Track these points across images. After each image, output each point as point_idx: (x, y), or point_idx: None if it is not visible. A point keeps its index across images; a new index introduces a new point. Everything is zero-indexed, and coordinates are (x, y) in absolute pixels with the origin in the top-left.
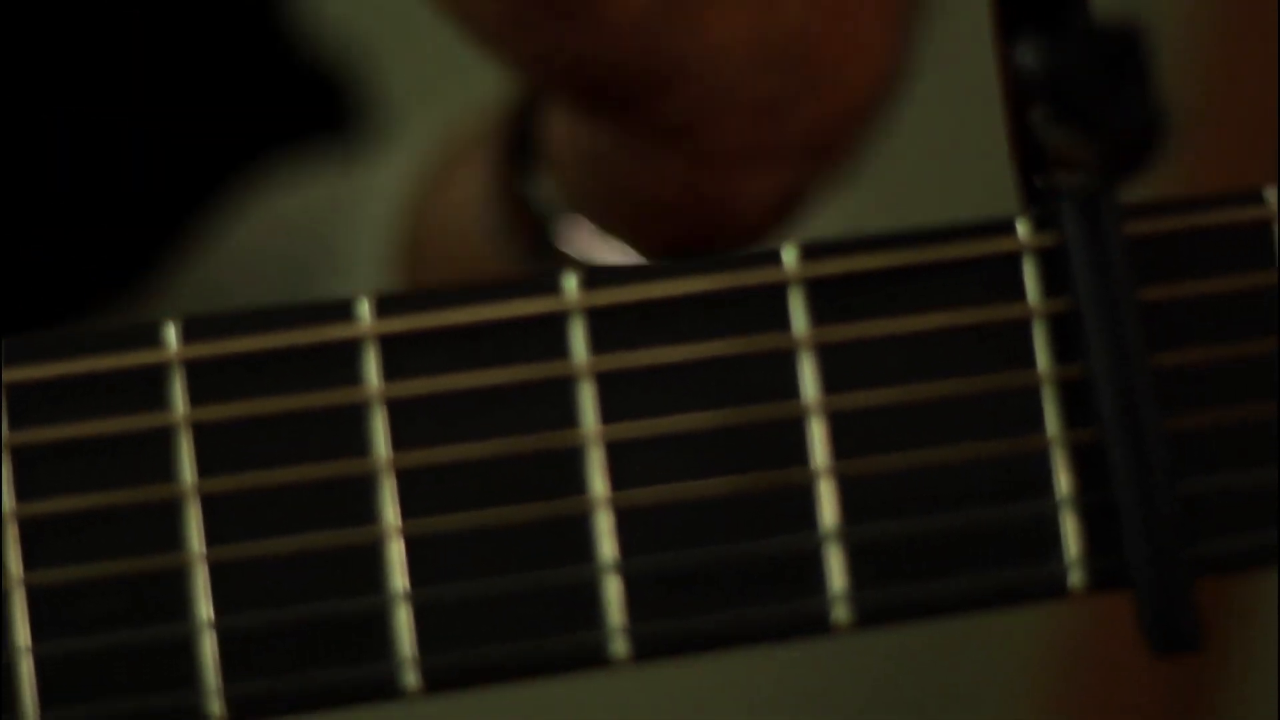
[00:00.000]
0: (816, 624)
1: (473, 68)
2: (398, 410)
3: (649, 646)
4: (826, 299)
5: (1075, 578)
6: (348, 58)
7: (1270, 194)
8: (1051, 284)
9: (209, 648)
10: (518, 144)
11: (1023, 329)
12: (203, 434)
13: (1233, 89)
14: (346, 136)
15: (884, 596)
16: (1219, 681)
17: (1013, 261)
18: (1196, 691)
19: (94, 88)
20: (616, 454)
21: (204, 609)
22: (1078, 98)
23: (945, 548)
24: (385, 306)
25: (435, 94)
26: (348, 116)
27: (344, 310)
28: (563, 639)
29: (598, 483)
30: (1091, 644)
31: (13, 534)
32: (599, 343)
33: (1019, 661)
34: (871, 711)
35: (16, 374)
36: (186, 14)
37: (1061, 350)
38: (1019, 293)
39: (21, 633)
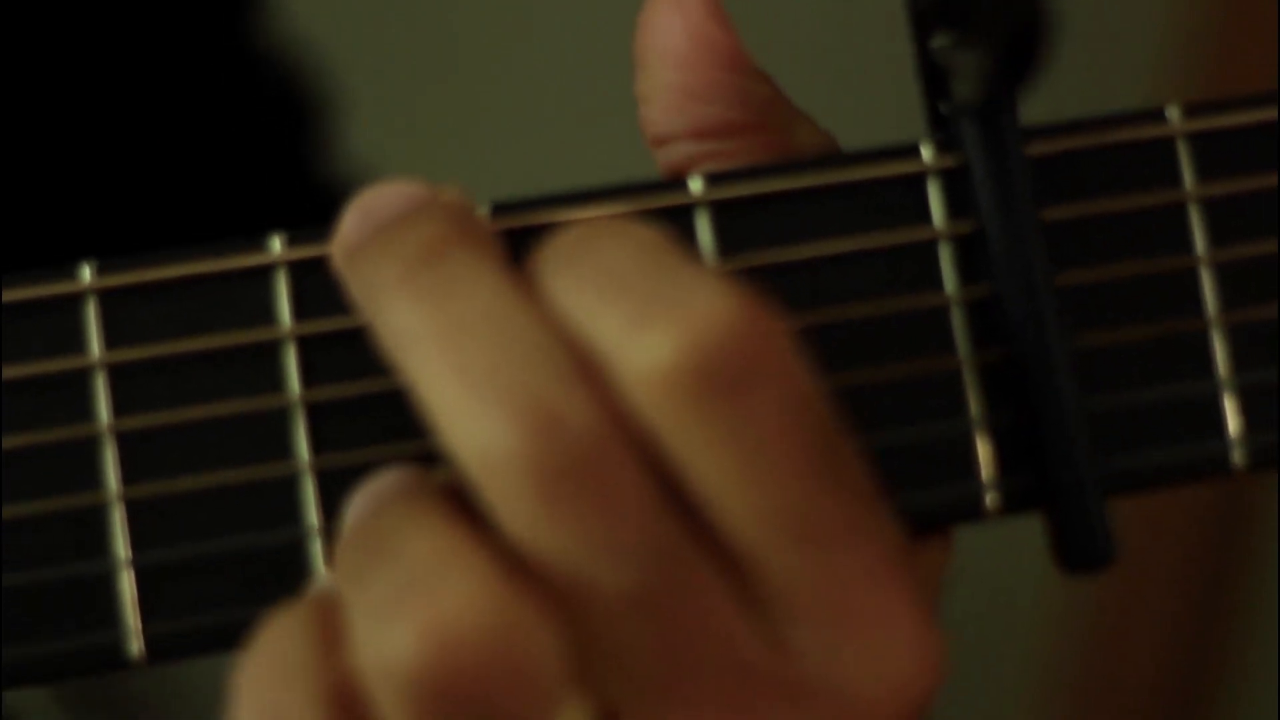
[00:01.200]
0: None
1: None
2: (308, 346)
3: None
4: (733, 224)
5: (990, 499)
6: (312, 69)
7: (1172, 112)
8: (957, 206)
9: (127, 586)
10: None
11: (929, 251)
12: (118, 374)
13: (1233, 89)
14: (306, 142)
15: None
16: (1219, 681)
17: (918, 184)
18: (1196, 691)
19: (54, 94)
20: None
21: (121, 547)
22: (965, 9)
23: None
24: (295, 239)
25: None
26: (309, 124)
27: (257, 245)
28: None
29: None
30: (1091, 644)
31: None
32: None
33: (1019, 662)
34: None
35: None
36: (155, 20)
37: (968, 271)
38: (925, 215)
39: None
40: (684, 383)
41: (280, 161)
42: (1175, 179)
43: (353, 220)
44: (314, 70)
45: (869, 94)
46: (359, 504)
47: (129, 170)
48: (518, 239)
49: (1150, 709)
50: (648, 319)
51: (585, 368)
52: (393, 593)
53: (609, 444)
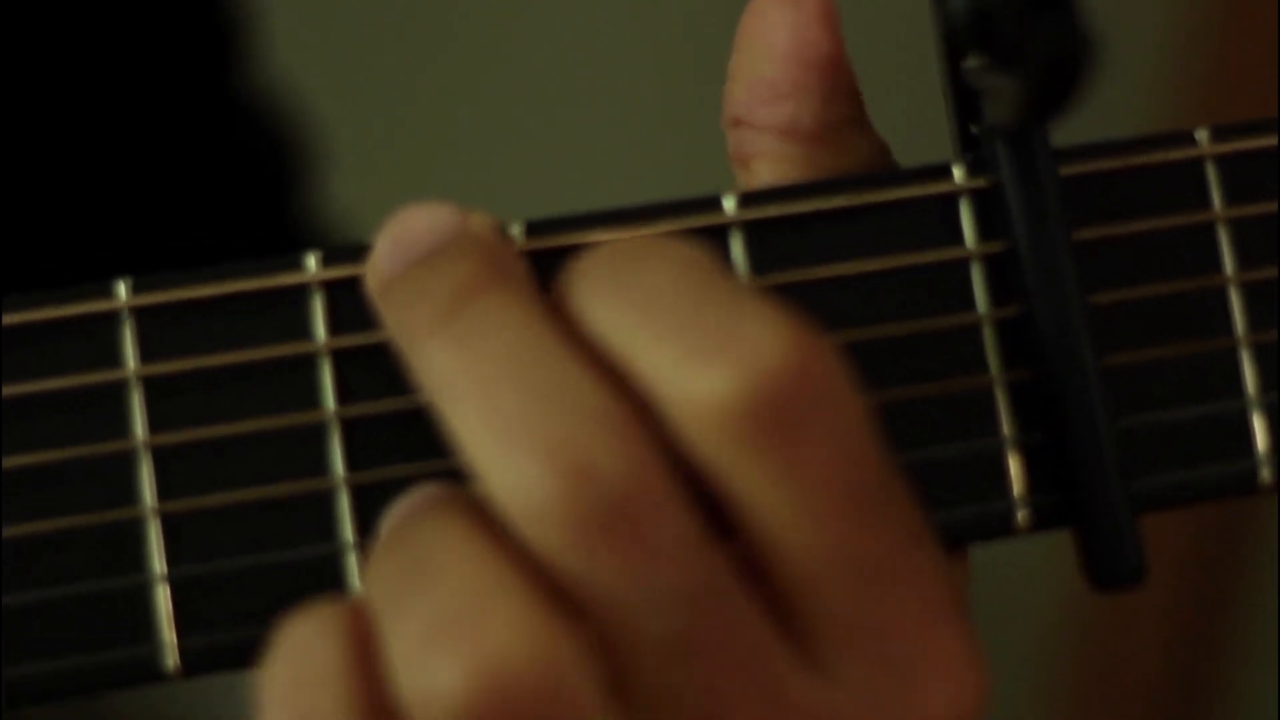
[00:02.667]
0: None
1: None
2: (343, 361)
3: None
4: (766, 244)
5: (1020, 516)
6: (295, 116)
7: (1201, 134)
8: (988, 226)
9: (163, 600)
10: None
11: (961, 271)
12: (154, 388)
13: (1233, 89)
14: (288, 189)
15: None
16: (1219, 681)
17: (950, 205)
18: (1196, 691)
19: (38, 129)
20: None
21: (157, 562)
22: (1004, 31)
23: None
24: (330, 257)
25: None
26: (291, 171)
27: (292, 262)
28: None
29: None
30: (1091, 643)
31: None
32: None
33: (1019, 661)
34: None
35: None
36: (141, 64)
37: (999, 291)
38: (957, 236)
39: None
40: (743, 420)
41: (262, 208)
42: (1204, 200)
43: (384, 250)
44: (297, 117)
45: (894, 113)
46: (395, 520)
47: (110, 213)
48: (548, 260)
49: (1150, 708)
50: (703, 352)
51: (622, 403)
52: (436, 623)
53: (648, 485)
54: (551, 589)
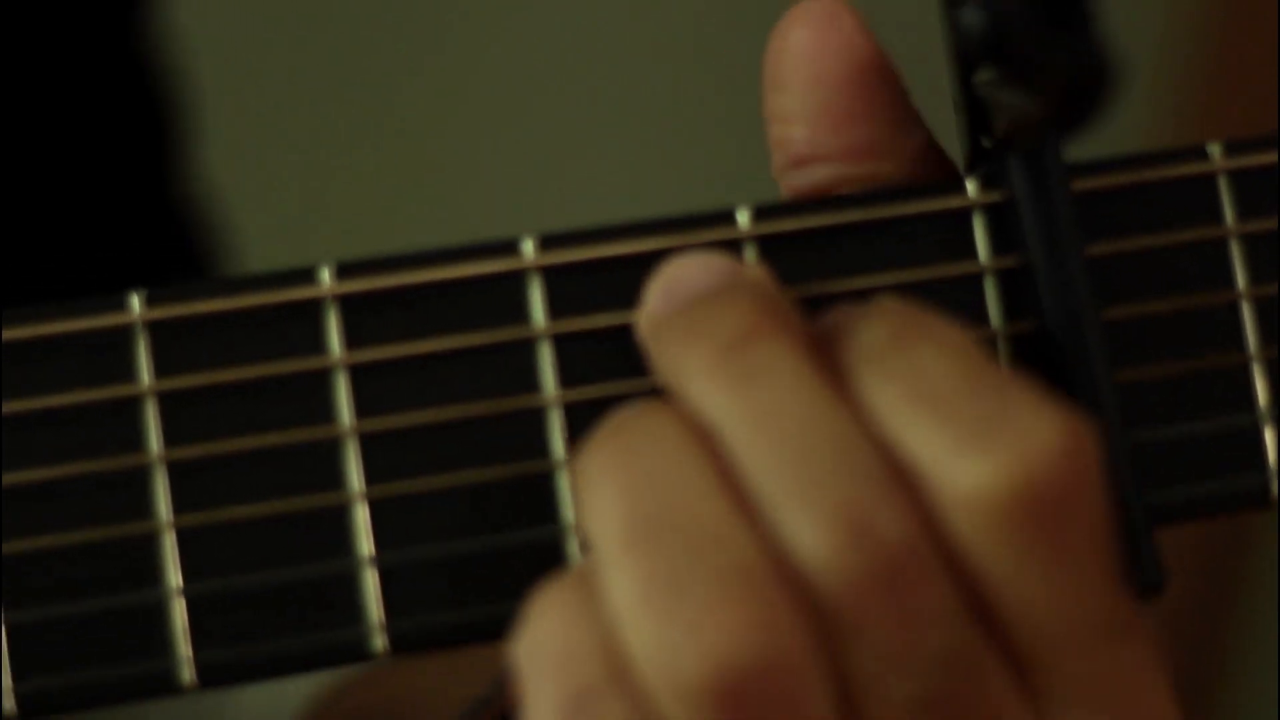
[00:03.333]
0: None
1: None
2: (360, 375)
3: None
4: (780, 257)
5: None
6: (219, 216)
7: (1214, 149)
8: (1001, 241)
9: (179, 614)
10: None
11: (974, 285)
12: (169, 402)
13: (1233, 91)
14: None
15: None
16: (1219, 681)
17: (963, 220)
18: (1196, 691)
19: None
20: (573, 417)
21: (173, 576)
22: (1022, 50)
23: None
24: (345, 271)
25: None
26: (201, 263)
27: (306, 276)
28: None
29: (558, 445)
30: None
31: None
32: (556, 305)
33: None
34: None
35: None
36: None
37: (1012, 306)
38: (970, 250)
39: None
40: (1007, 513)
41: (140, 171)
42: (1216, 215)
43: (658, 293)
44: (183, 83)
45: None
46: (627, 471)
47: None
48: (561, 275)
49: None
50: (974, 442)
51: (899, 477)
52: (681, 599)
53: (919, 556)
54: (810, 617)
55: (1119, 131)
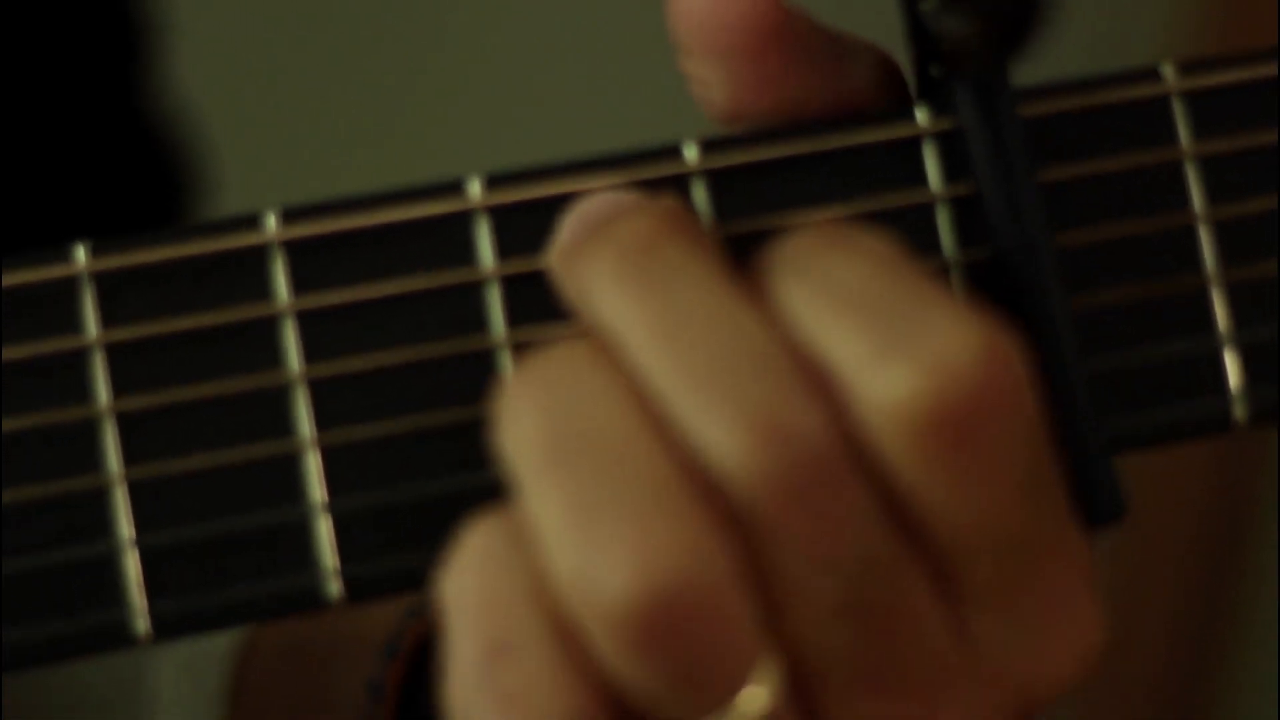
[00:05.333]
0: None
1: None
2: (308, 320)
3: None
4: (729, 191)
5: None
6: (192, 130)
7: (1167, 70)
8: (953, 169)
9: (132, 566)
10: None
11: (927, 214)
12: (116, 354)
13: None
14: (174, 209)
15: None
16: (1219, 681)
17: (914, 148)
18: (1197, 689)
19: None
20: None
21: (125, 528)
22: None
23: None
24: (291, 216)
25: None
26: (181, 192)
27: (252, 222)
28: None
29: None
30: None
31: None
32: (504, 245)
33: None
34: None
35: None
36: (39, 69)
37: (966, 233)
38: (921, 179)
39: None
40: (925, 422)
41: (151, 215)
42: (1171, 137)
43: (569, 226)
44: (193, 133)
45: None
46: (539, 396)
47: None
48: (511, 214)
49: (1151, 707)
50: (891, 351)
51: (812, 380)
52: (600, 522)
53: (836, 459)
54: (727, 515)
55: None
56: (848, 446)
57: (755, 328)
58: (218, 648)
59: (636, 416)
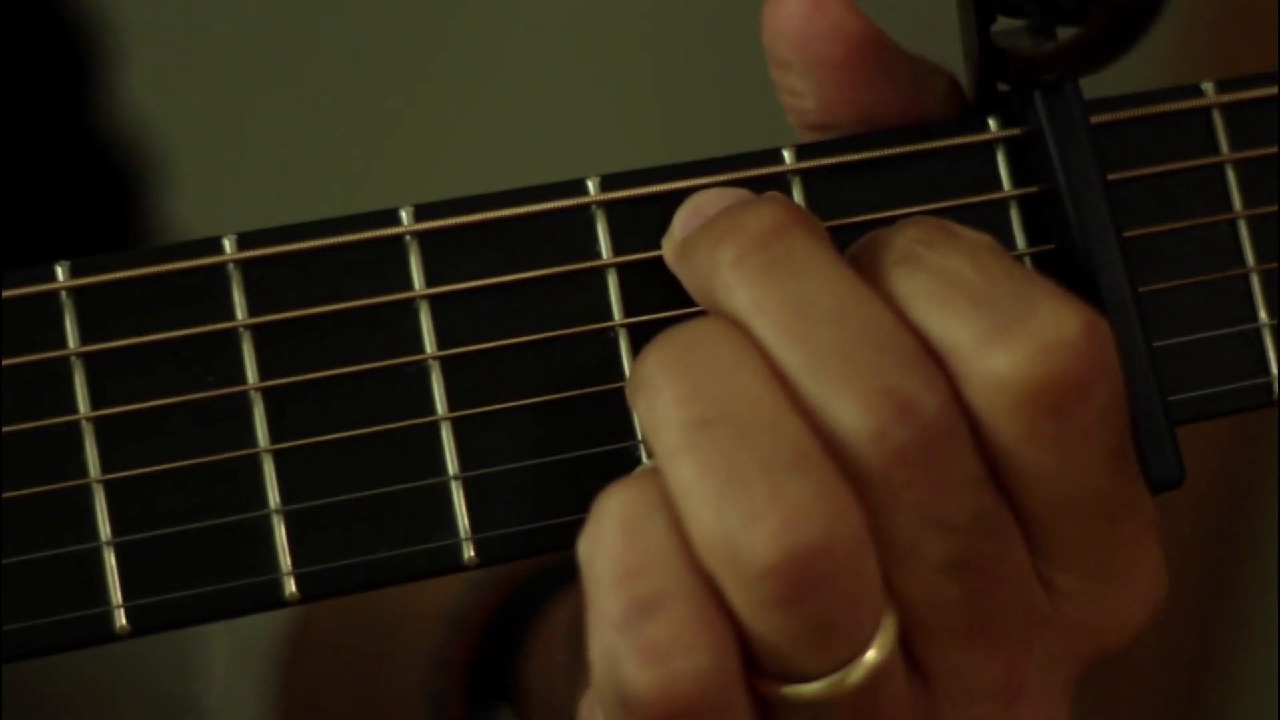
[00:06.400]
0: None
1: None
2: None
3: None
4: (821, 190)
5: None
6: (144, 143)
7: (1207, 86)
8: (1020, 172)
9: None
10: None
11: (1000, 212)
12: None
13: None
14: (127, 214)
15: None
16: (1220, 680)
17: (986, 153)
18: (1197, 689)
19: None
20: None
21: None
22: None
23: None
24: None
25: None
26: (133, 196)
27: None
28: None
29: (627, 367)
30: None
31: None
32: (620, 239)
33: None
34: None
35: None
36: None
37: (1032, 230)
38: (994, 180)
39: None
40: (1030, 399)
41: (104, 232)
42: (1213, 145)
43: (684, 217)
44: (145, 145)
45: None
46: (680, 371)
47: None
48: (625, 210)
49: (1151, 707)
50: (1003, 334)
51: (930, 358)
52: (747, 487)
53: (953, 432)
54: (859, 492)
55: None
56: (959, 417)
57: (878, 311)
58: (270, 623)
59: (772, 390)
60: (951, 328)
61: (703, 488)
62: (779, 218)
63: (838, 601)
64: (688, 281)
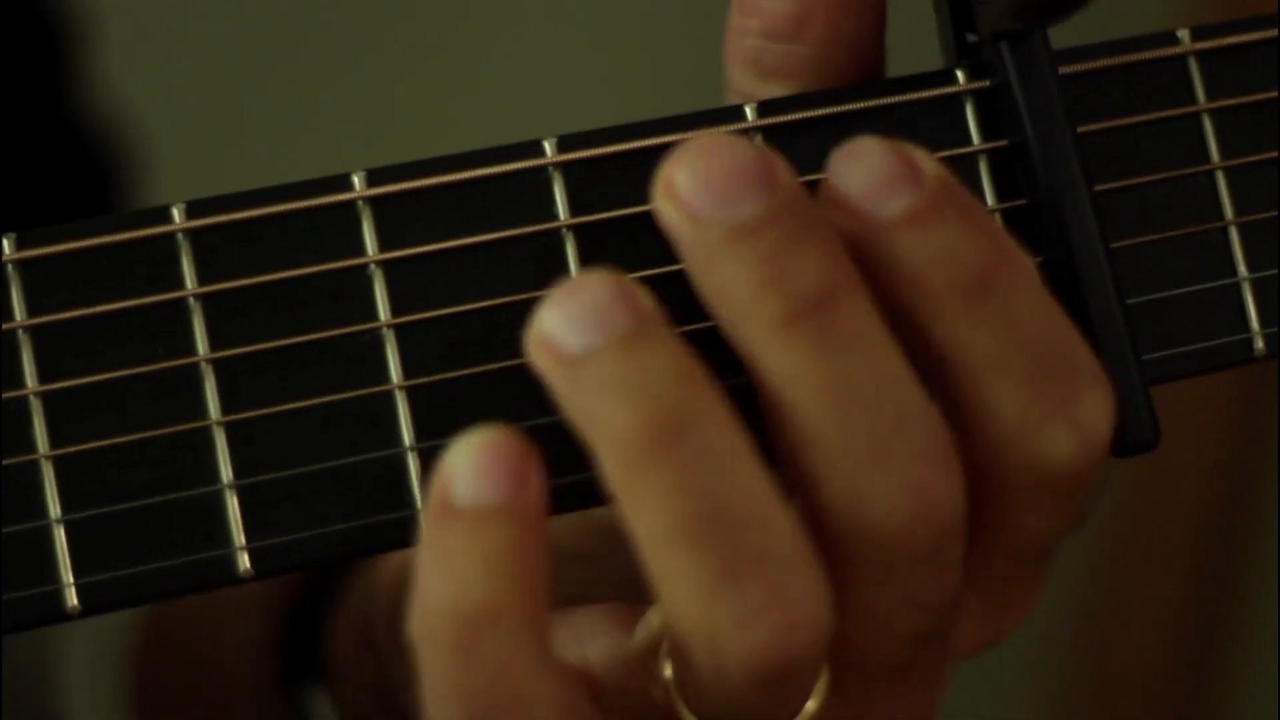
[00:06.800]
0: None
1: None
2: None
3: None
4: (785, 147)
5: None
6: (122, 129)
7: (1182, 34)
8: (989, 126)
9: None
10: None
11: (970, 166)
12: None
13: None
14: (107, 202)
15: None
16: (1219, 681)
17: (955, 106)
18: (1197, 690)
19: None
20: None
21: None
22: None
23: None
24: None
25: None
26: (113, 184)
27: (343, 182)
28: None
29: None
30: (1092, 644)
31: None
32: (577, 201)
33: (1019, 662)
34: None
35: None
36: None
37: (1002, 184)
38: (962, 135)
39: None
40: (1058, 484)
41: (32, 86)
42: (1189, 95)
43: (688, 174)
44: (124, 131)
45: None
46: (677, 466)
47: None
48: (583, 170)
49: (1151, 708)
50: (1047, 422)
51: (954, 450)
52: (758, 596)
53: (961, 518)
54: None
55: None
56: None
57: (914, 395)
58: (120, 619)
59: (766, 482)
60: (1001, 399)
61: (691, 581)
62: (831, 274)
63: (800, 681)
64: (693, 266)
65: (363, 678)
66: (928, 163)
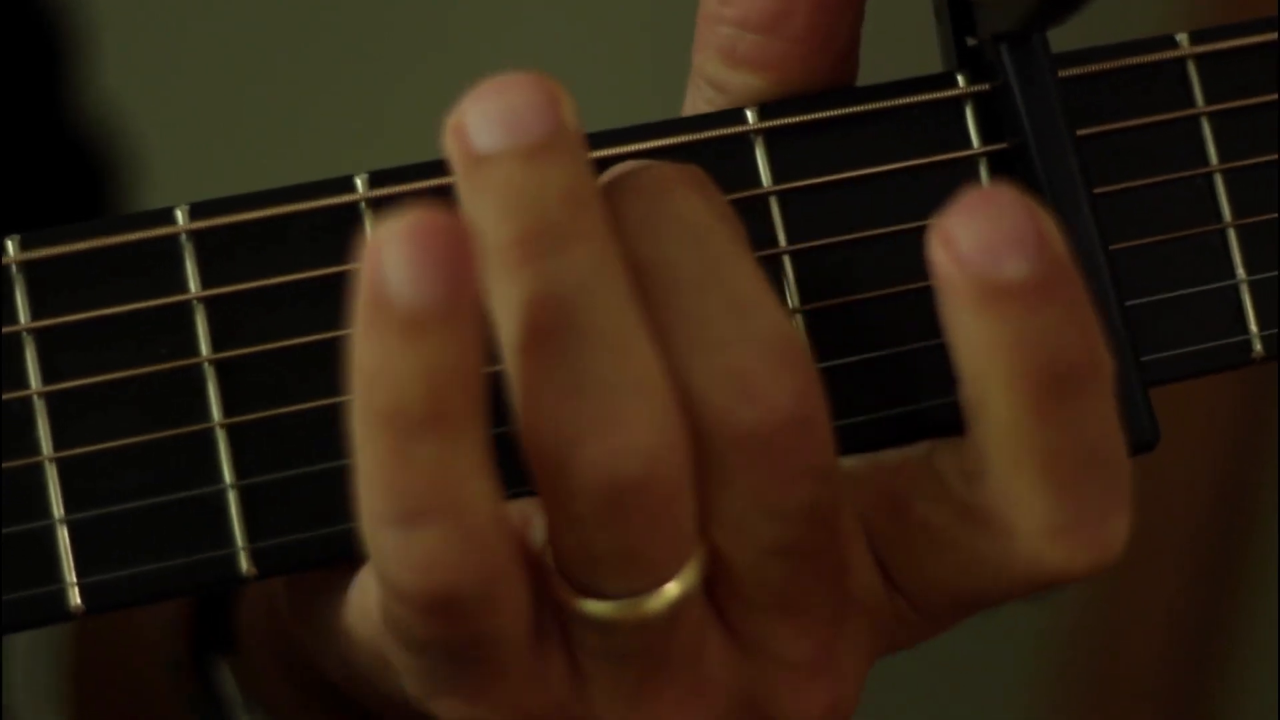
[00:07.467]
0: None
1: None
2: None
3: None
4: (786, 151)
5: None
6: (118, 135)
7: (1182, 37)
8: (990, 129)
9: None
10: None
11: (970, 170)
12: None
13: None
14: (103, 206)
15: None
16: (1220, 681)
17: (955, 110)
18: (1197, 690)
19: None
20: None
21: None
22: None
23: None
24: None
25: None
26: (108, 189)
27: (345, 184)
28: None
29: None
30: (1092, 644)
31: None
32: None
33: (1018, 662)
34: (869, 699)
35: None
36: None
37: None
38: (963, 137)
39: None
40: (1053, 582)
41: (27, 92)
42: (1188, 98)
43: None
44: (120, 138)
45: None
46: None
47: None
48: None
49: (1150, 708)
50: (1071, 536)
51: (801, 343)
52: (597, 414)
53: (805, 422)
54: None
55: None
56: (820, 408)
57: (766, 300)
58: (55, 634)
59: (635, 313)
60: (1035, 503)
61: (534, 391)
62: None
63: (645, 532)
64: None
65: (266, 644)
66: (1055, 235)
